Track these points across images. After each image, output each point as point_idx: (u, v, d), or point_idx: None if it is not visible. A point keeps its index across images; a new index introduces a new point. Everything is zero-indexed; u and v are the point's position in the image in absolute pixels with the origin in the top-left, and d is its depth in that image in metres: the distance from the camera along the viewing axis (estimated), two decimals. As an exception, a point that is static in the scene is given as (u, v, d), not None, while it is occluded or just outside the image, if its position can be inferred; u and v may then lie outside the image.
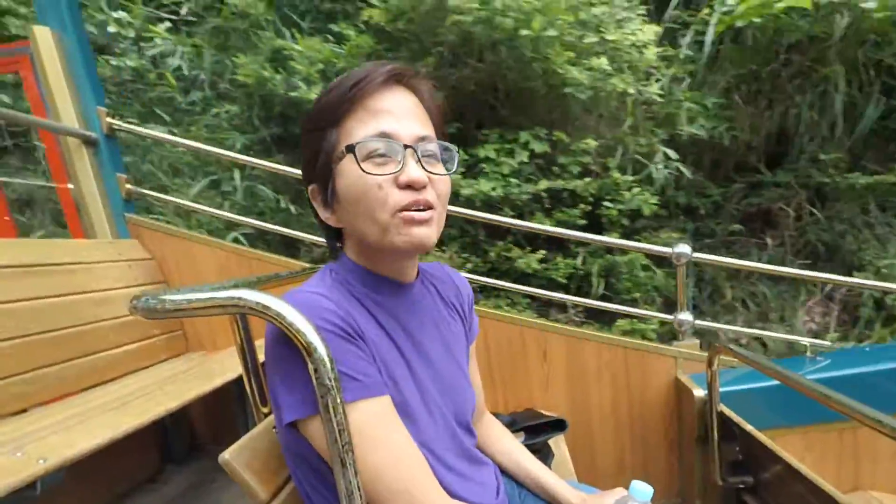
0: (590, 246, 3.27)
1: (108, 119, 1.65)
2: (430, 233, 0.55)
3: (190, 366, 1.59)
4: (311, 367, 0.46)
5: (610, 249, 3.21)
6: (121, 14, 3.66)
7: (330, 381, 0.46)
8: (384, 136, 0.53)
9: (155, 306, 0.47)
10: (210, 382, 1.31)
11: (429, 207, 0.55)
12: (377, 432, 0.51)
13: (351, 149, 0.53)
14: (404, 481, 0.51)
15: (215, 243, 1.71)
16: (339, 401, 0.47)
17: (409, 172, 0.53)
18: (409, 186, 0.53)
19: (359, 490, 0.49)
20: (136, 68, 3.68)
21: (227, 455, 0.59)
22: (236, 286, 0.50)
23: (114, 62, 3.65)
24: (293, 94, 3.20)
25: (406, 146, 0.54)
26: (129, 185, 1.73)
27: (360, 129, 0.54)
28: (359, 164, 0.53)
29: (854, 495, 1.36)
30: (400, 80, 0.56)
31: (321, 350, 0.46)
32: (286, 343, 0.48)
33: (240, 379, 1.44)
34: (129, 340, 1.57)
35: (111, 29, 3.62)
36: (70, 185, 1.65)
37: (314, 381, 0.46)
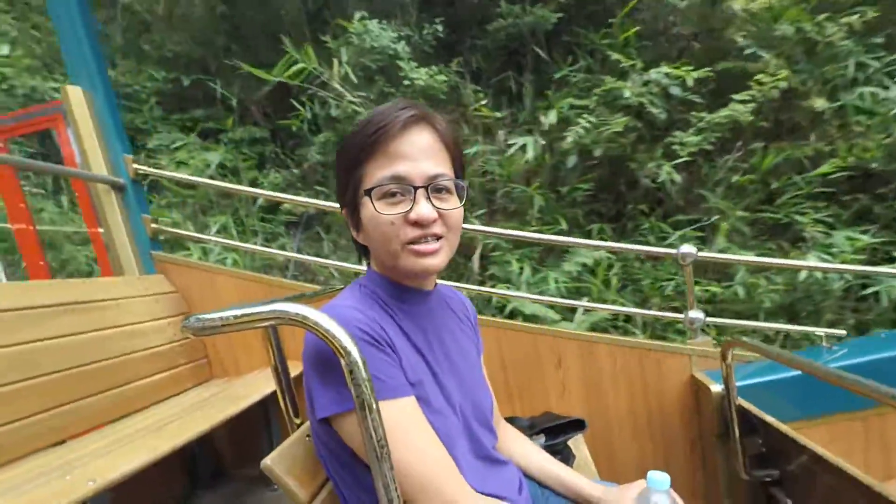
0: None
1: (134, 165, 1.77)
2: (436, 261, 0.62)
3: (215, 391, 1.64)
4: (346, 368, 0.51)
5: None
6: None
7: (363, 381, 0.51)
8: (398, 178, 0.60)
9: (205, 324, 0.52)
10: (236, 405, 1.36)
11: (438, 238, 0.62)
12: (404, 430, 0.56)
13: (368, 192, 0.61)
14: (431, 476, 0.56)
15: (236, 273, 1.79)
16: (372, 398, 0.51)
17: (418, 210, 0.60)
18: (417, 223, 0.60)
19: (393, 482, 0.53)
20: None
21: (268, 461, 0.64)
22: (261, 304, 0.56)
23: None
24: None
25: (417, 187, 0.60)
26: (153, 225, 1.83)
27: (379, 172, 0.61)
28: (373, 206, 0.61)
29: (889, 484, 1.33)
30: (418, 121, 0.62)
31: (355, 353, 0.51)
32: (323, 350, 0.55)
33: (263, 402, 1.49)
34: (158, 370, 1.63)
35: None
36: (101, 229, 1.75)
37: (349, 380, 0.51)
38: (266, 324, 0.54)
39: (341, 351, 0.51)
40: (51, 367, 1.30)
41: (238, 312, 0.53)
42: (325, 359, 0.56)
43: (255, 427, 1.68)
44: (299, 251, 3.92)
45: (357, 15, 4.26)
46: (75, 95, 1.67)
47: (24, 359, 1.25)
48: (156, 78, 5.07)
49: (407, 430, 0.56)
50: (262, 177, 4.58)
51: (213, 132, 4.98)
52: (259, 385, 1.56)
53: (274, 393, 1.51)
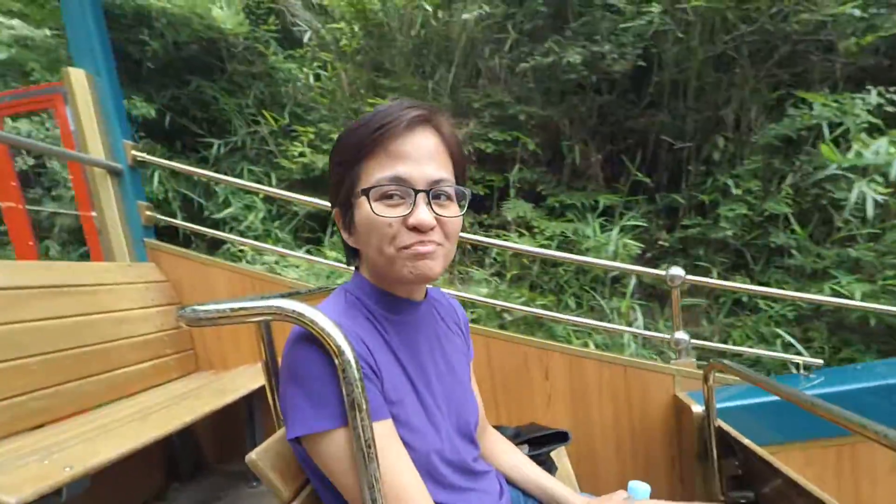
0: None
1: (133, 152, 1.76)
2: (434, 266, 0.59)
3: (201, 384, 1.63)
4: (339, 367, 0.52)
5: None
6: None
7: (355, 380, 0.52)
8: (398, 180, 0.57)
9: (200, 315, 0.53)
10: (222, 399, 1.36)
11: (434, 246, 0.59)
12: (378, 454, 0.54)
13: (366, 192, 0.58)
14: (399, 500, 0.55)
15: (229, 267, 1.78)
16: (363, 398, 0.52)
17: (418, 215, 0.57)
18: (416, 229, 0.58)
19: (378, 483, 0.54)
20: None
21: (253, 455, 0.64)
22: (256, 298, 0.56)
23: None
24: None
25: (418, 191, 0.58)
26: (148, 213, 1.82)
27: (378, 171, 0.58)
28: (370, 206, 0.57)
29: None
30: (424, 122, 0.59)
31: (348, 353, 0.52)
32: (301, 365, 0.54)
33: (248, 397, 1.49)
34: (144, 359, 1.62)
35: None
36: (93, 213, 1.74)
37: (342, 379, 0.52)
38: (261, 318, 0.55)
39: (335, 349, 0.52)
40: (35, 348, 1.29)
41: (235, 305, 0.54)
42: (301, 377, 0.54)
43: (238, 423, 1.67)
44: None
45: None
46: (78, 77, 1.67)
47: (8, 339, 1.24)
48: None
49: (380, 453, 0.54)
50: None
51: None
52: (245, 380, 1.55)
53: (259, 389, 1.51)
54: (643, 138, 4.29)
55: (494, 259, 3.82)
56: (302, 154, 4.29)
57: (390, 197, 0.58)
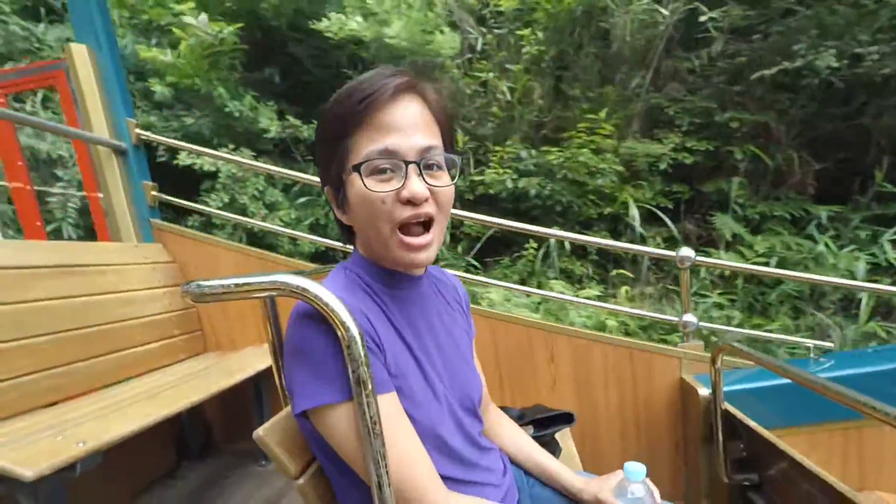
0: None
1: (137, 130, 1.74)
2: (428, 255, 0.60)
3: (209, 364, 1.65)
4: (343, 342, 0.51)
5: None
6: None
7: (360, 356, 0.52)
8: (388, 153, 0.56)
9: (205, 290, 0.53)
10: (230, 378, 1.37)
11: (429, 220, 0.59)
12: (384, 428, 0.54)
13: (357, 168, 0.57)
14: (406, 472, 0.56)
15: (234, 247, 1.78)
16: (368, 374, 0.52)
17: (411, 188, 0.56)
18: (410, 202, 0.57)
19: (384, 459, 0.54)
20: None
21: (261, 432, 0.65)
22: (268, 274, 0.56)
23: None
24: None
25: (409, 162, 0.57)
26: (154, 192, 1.82)
27: (367, 144, 0.57)
28: (363, 182, 0.57)
29: (862, 495, 1.36)
30: (409, 90, 0.58)
31: (353, 328, 0.51)
32: (306, 340, 0.54)
33: (255, 377, 1.50)
34: (152, 339, 1.64)
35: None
36: (100, 194, 1.74)
37: (346, 355, 0.52)
38: (266, 294, 0.54)
39: (340, 324, 0.51)
40: (46, 328, 1.31)
41: (239, 281, 0.53)
42: (308, 349, 0.55)
43: (246, 402, 1.69)
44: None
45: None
46: (79, 53, 1.64)
47: (19, 318, 1.25)
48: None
49: (384, 426, 0.55)
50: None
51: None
52: (253, 360, 1.57)
53: (266, 370, 1.53)
54: (863, 145, 3.80)
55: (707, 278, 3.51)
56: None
57: (382, 171, 0.57)
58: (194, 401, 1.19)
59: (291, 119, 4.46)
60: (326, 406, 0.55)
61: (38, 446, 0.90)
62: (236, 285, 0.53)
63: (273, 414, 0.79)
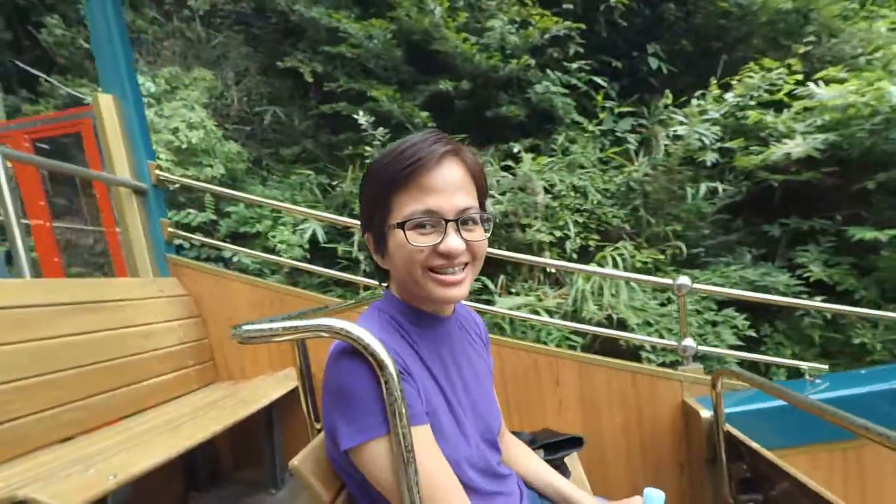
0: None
1: (156, 171, 1.84)
2: (461, 291, 0.67)
3: (223, 394, 1.68)
4: (382, 379, 0.58)
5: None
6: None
7: (397, 392, 0.58)
8: (430, 212, 0.63)
9: (252, 333, 0.59)
10: (247, 409, 1.41)
11: (463, 267, 0.66)
12: (418, 455, 0.60)
13: (401, 226, 0.64)
14: (440, 500, 0.60)
15: (249, 280, 1.85)
16: (403, 407, 0.58)
17: (448, 243, 0.63)
18: (446, 255, 0.64)
19: (416, 486, 0.59)
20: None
21: (296, 462, 0.70)
22: (300, 316, 0.61)
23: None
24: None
25: (448, 220, 0.64)
26: (170, 229, 1.89)
27: (411, 204, 0.64)
28: (406, 237, 0.64)
29: None
30: (452, 155, 0.65)
31: (391, 367, 0.58)
32: (346, 383, 0.59)
33: (268, 408, 1.54)
34: (167, 370, 1.68)
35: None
36: (118, 230, 1.81)
37: (384, 392, 0.57)
38: (311, 335, 0.60)
39: (379, 364, 0.58)
40: (67, 363, 1.35)
41: (286, 325, 0.59)
42: (348, 391, 0.60)
43: (255, 432, 1.71)
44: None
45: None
46: (106, 103, 1.75)
47: (44, 354, 1.30)
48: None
49: (420, 456, 0.59)
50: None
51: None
52: (266, 390, 1.60)
53: (279, 399, 1.56)
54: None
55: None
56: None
57: (423, 226, 0.64)
58: (215, 431, 1.22)
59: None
60: (369, 441, 0.60)
61: (70, 481, 0.94)
62: (283, 329, 0.59)
63: (286, 443, 0.83)
